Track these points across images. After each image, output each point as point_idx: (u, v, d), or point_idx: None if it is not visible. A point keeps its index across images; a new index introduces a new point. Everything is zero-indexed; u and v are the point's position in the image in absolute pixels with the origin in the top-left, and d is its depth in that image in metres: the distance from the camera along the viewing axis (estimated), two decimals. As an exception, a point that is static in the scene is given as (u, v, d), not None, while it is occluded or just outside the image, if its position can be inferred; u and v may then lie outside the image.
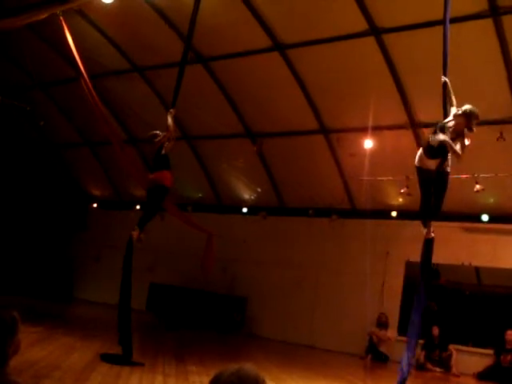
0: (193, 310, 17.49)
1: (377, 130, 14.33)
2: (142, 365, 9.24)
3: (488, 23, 11.42)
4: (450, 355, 13.81)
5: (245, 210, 18.36)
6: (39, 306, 16.69)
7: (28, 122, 20.50)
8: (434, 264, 15.38)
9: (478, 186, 13.30)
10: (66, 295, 19.93)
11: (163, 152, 10.04)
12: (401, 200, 14.62)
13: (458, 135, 7.47)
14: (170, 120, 10.11)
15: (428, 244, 7.85)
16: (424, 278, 7.75)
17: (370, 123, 14.12)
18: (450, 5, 7.66)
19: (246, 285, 17.61)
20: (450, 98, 7.73)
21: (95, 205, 22.29)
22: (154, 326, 16.82)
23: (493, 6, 11.12)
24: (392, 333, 14.46)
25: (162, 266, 19.26)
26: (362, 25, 12.68)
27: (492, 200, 14.13)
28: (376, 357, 14.47)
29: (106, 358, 9.20)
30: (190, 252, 16.45)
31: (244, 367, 2.28)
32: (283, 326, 16.71)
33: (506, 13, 11.16)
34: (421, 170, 7.69)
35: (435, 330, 14.06)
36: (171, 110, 10.26)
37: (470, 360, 13.83)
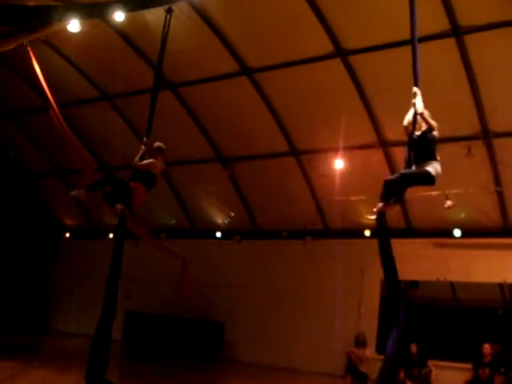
0: (170, 338, 17.33)
1: (347, 150, 14.45)
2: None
3: (451, 42, 11.64)
4: (430, 371, 13.80)
5: (219, 234, 18.33)
6: (12, 340, 16.40)
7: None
8: (403, 281, 15.62)
9: (448, 202, 13.45)
10: (39, 327, 19.63)
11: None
12: (373, 218, 14.71)
13: None
14: (139, 154, 9.79)
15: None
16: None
17: (341, 144, 14.24)
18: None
19: (224, 310, 17.52)
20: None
21: (68, 234, 22.07)
22: (132, 356, 16.63)
23: (454, 26, 11.35)
24: (370, 352, 14.44)
25: (137, 294, 19.08)
26: (328, 47, 12.83)
27: (463, 215, 14.28)
28: (356, 376, 14.40)
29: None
30: (165, 279, 16.32)
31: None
32: (262, 350, 16.61)
33: (467, 32, 11.40)
34: None
35: (413, 347, 14.06)
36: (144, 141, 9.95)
37: (449, 375, 13.84)
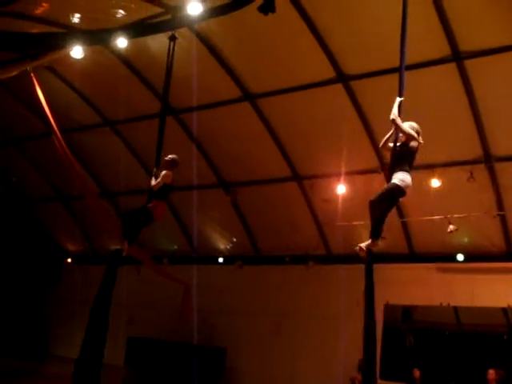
0: (172, 363, 17.22)
1: (349, 174, 14.46)
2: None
3: (452, 67, 11.71)
4: (433, 397, 13.69)
5: (221, 260, 18.29)
6: (13, 365, 16.30)
7: (0, 178, 20.39)
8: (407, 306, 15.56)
9: (451, 227, 13.43)
10: (40, 352, 19.53)
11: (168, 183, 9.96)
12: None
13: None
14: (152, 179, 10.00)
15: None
16: None
17: (343, 168, 14.26)
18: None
19: (226, 335, 17.42)
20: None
21: (70, 260, 22.04)
22: (134, 382, 16.51)
23: (455, 51, 11.42)
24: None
25: (140, 319, 19.00)
26: (329, 72, 12.91)
27: (466, 239, 14.24)
28: (359, 403, 14.28)
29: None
30: (167, 304, 16.29)
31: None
32: (265, 375, 16.49)
33: (468, 57, 11.47)
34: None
35: (416, 373, 13.94)
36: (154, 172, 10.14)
37: (453, 401, 13.74)
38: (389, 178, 7.26)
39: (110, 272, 9.45)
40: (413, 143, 7.29)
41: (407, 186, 7.12)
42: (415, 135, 7.31)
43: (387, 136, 7.57)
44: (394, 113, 7.22)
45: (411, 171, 7.30)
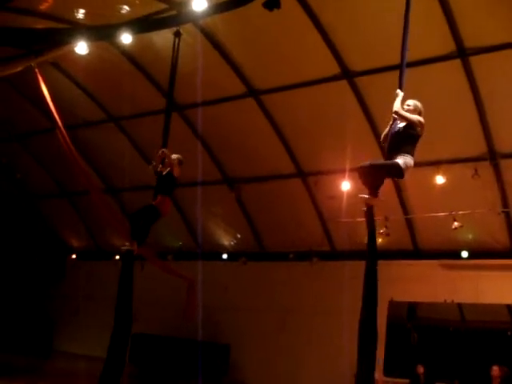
0: (176, 360, 17.24)
1: (354, 171, 14.42)
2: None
3: (457, 64, 11.68)
4: (437, 394, 13.69)
5: (225, 256, 18.30)
6: (17, 361, 16.32)
7: (4, 174, 20.40)
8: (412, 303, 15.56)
9: (456, 223, 13.42)
10: (45, 348, 19.55)
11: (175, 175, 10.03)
12: (380, 240, 14.66)
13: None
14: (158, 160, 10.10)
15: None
16: None
17: (347, 165, 14.23)
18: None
19: (230, 331, 17.43)
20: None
21: (74, 256, 22.06)
22: (137, 378, 16.52)
23: (460, 48, 11.39)
24: (378, 374, 14.31)
25: (143, 315, 18.98)
26: (334, 69, 12.88)
27: (471, 236, 14.21)
28: (363, 399, 14.25)
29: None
30: (172, 300, 16.26)
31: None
32: (269, 372, 16.49)
33: (472, 54, 11.44)
34: None
35: (420, 369, 13.94)
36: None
37: (456, 398, 13.74)
38: (388, 155, 7.18)
39: (126, 272, 9.48)
40: (419, 129, 7.23)
41: (406, 170, 7.09)
42: (422, 121, 7.25)
43: (387, 130, 7.51)
44: (397, 105, 7.18)
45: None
